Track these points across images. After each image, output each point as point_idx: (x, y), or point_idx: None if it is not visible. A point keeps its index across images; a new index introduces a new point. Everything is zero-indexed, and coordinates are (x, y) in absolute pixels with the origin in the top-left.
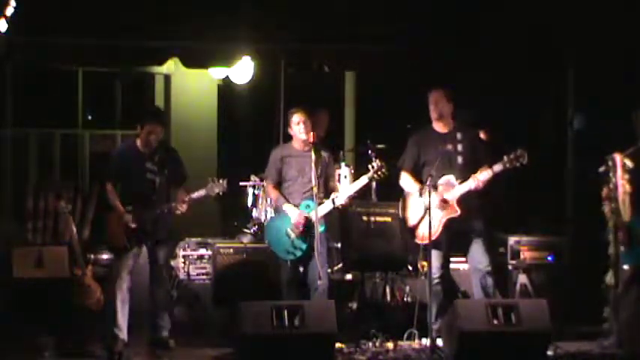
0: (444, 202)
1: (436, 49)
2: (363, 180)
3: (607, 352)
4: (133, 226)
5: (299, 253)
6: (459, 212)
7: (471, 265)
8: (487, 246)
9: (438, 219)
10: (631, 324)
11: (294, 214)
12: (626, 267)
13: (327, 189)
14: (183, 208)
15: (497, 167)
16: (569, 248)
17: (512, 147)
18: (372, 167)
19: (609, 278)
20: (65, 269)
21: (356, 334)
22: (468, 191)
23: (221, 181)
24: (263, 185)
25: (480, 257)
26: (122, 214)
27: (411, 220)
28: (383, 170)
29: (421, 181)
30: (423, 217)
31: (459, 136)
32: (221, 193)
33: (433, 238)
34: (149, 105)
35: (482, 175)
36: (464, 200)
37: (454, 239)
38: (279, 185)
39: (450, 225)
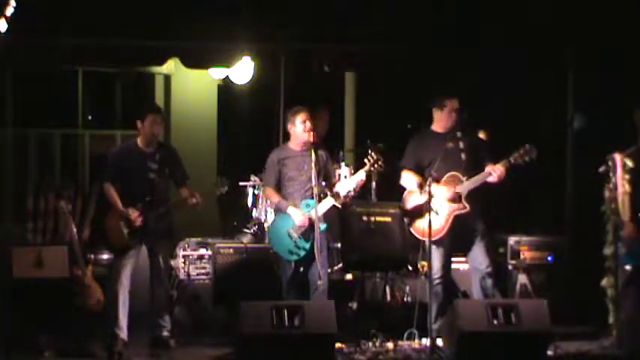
0: (453, 200)
1: (436, 49)
2: (361, 174)
3: (607, 352)
4: (134, 225)
5: (302, 253)
6: (468, 208)
7: (472, 265)
8: (487, 247)
9: (446, 215)
10: (631, 324)
11: (297, 217)
12: (628, 267)
13: (328, 187)
14: (197, 199)
15: (510, 161)
16: (569, 248)
17: (513, 147)
18: (369, 160)
19: (607, 282)
20: (65, 269)
21: (356, 334)
22: (482, 184)
23: (224, 179)
24: (263, 185)
25: (481, 258)
26: (122, 213)
27: (414, 218)
28: (379, 163)
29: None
30: (425, 213)
31: (458, 134)
32: (223, 193)
33: (439, 235)
34: (147, 102)
35: (499, 167)
36: (469, 198)
37: (457, 238)
38: (278, 188)
39: (457, 222)
